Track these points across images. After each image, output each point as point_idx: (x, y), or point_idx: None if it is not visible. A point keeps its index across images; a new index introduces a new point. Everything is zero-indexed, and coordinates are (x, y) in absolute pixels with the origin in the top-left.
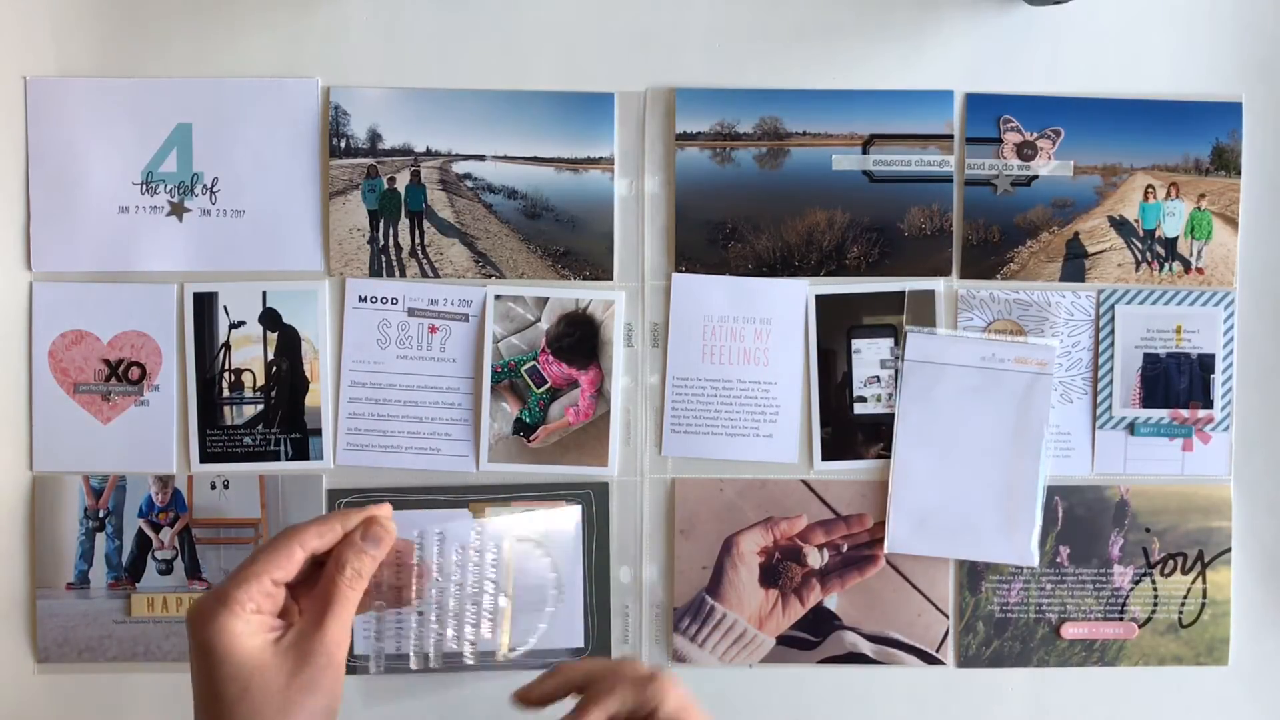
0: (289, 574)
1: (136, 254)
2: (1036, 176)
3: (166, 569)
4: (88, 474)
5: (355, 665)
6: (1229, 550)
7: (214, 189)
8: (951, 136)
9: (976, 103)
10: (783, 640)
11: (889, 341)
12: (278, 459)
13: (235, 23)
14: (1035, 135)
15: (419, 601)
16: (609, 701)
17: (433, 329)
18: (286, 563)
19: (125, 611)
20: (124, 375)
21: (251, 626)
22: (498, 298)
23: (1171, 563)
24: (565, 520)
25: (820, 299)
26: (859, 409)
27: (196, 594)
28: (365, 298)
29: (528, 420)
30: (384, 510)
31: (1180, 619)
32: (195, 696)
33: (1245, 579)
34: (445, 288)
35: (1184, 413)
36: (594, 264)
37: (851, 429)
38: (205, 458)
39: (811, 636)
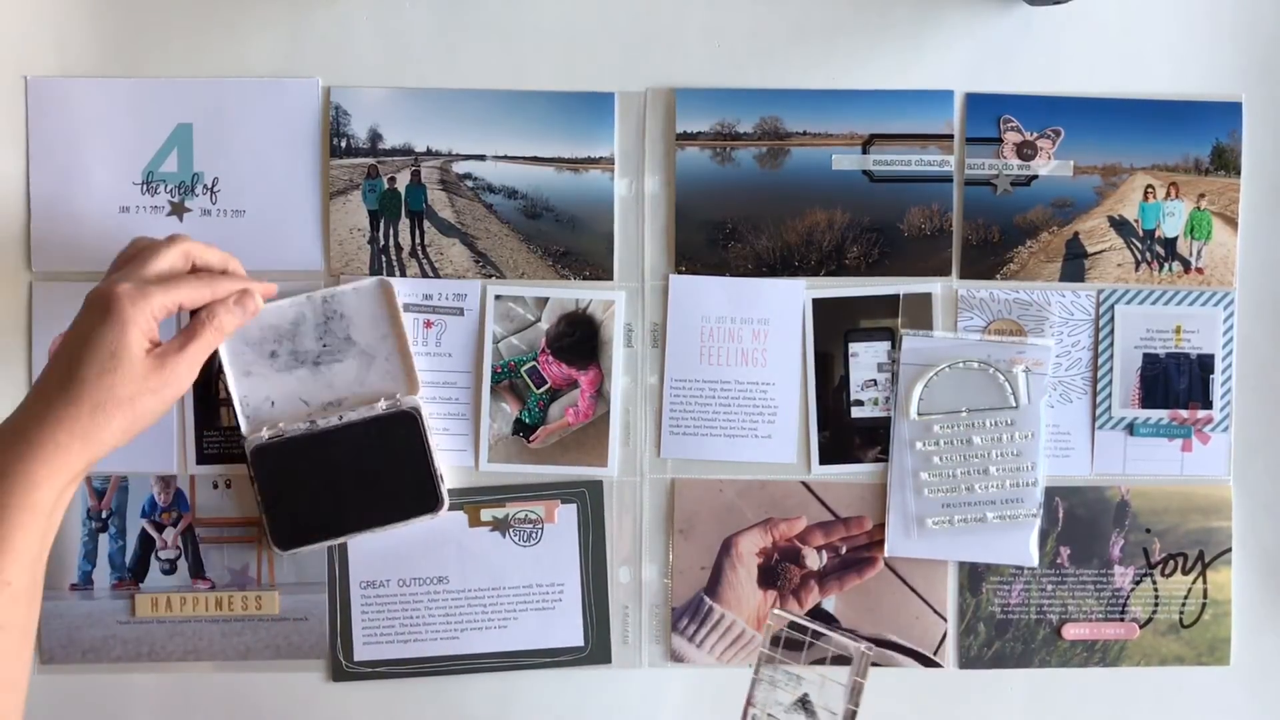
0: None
1: None
2: (1036, 176)
3: (170, 569)
4: (90, 475)
5: (359, 670)
6: (1229, 550)
7: (214, 189)
8: (951, 136)
9: (976, 103)
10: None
11: (885, 345)
12: None
13: (235, 23)
14: (1035, 135)
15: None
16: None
17: (428, 324)
18: (191, 299)
19: (129, 612)
20: None
21: (145, 330)
22: (498, 298)
23: (1172, 563)
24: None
25: (817, 303)
26: (856, 413)
27: (200, 593)
28: None
29: (527, 421)
30: (268, 291)
31: (1181, 619)
32: (57, 356)
33: (1246, 579)
34: (439, 282)
35: (1183, 413)
36: (594, 264)
37: (849, 433)
38: (201, 459)
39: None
